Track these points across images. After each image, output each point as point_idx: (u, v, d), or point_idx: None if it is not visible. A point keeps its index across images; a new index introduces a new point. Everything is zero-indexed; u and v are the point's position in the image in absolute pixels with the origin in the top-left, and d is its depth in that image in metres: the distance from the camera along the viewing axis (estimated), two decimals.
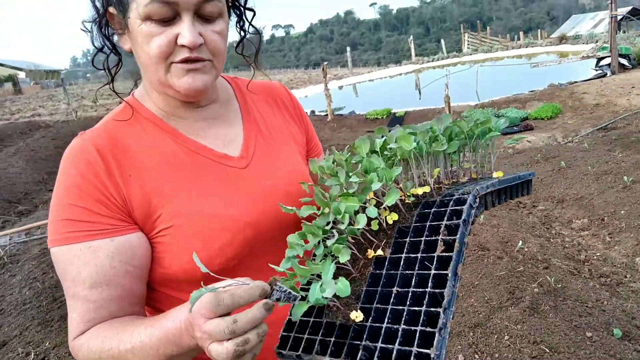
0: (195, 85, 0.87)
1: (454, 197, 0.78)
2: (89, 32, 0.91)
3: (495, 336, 2.57)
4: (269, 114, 1.09)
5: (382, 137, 0.88)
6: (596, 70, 11.84)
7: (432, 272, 0.69)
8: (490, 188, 0.83)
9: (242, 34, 1.01)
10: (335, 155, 0.88)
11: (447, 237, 0.73)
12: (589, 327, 2.64)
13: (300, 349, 0.73)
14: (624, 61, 11.51)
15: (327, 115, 12.98)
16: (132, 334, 0.79)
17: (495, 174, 0.89)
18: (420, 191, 0.83)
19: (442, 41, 33.53)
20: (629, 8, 28.16)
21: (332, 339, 0.71)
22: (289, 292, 0.68)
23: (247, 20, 0.99)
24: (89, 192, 0.85)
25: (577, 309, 2.83)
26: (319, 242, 0.77)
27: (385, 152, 0.86)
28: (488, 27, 38.10)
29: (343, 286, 0.68)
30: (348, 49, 29.05)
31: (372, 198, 0.83)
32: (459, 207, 0.75)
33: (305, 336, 0.75)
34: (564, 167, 5.71)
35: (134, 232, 0.87)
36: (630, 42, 14.83)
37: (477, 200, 0.78)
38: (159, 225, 0.88)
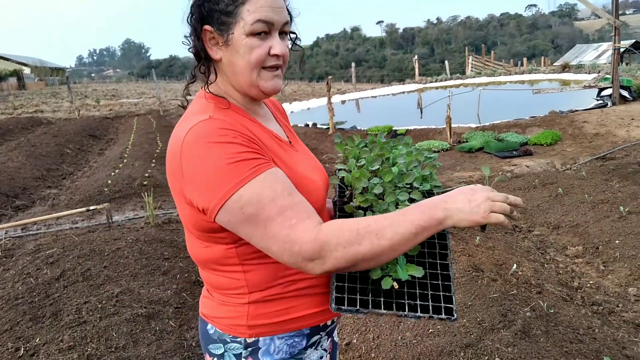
0: (277, 87, 1.14)
1: None
2: (188, 41, 1.15)
3: (486, 357, 2.58)
4: (280, 118, 1.38)
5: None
6: (597, 100, 11.94)
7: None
8: None
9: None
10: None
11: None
12: (580, 354, 2.65)
13: (358, 304, 1.04)
14: (625, 93, 11.61)
15: (328, 128, 13.05)
16: (384, 215, 1.02)
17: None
18: None
19: (446, 62, 33.77)
20: (632, 41, 28.50)
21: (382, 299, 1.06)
22: None
23: (292, 40, 1.23)
24: (246, 141, 1.02)
25: (569, 335, 2.84)
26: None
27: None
28: (492, 51, 38.35)
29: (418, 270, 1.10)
30: (353, 64, 28.70)
31: None
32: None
33: (358, 297, 1.06)
34: (561, 193, 5.75)
35: None
36: (632, 75, 14.98)
37: None
38: None
